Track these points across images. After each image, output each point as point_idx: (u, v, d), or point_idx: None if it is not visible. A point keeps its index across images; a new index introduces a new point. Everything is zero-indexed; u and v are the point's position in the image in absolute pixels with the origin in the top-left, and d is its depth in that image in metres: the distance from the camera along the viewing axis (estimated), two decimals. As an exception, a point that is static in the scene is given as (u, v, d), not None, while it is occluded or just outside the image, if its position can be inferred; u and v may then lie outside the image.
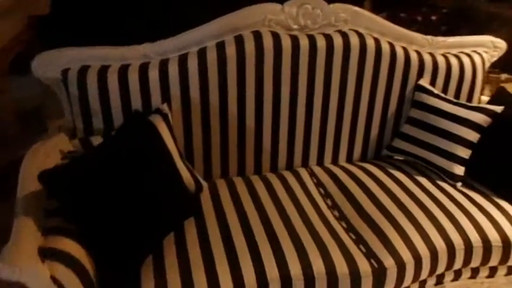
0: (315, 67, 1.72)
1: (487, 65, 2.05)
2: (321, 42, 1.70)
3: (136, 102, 1.57)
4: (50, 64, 1.52)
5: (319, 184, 1.74)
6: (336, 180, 1.75)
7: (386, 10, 3.55)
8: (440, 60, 1.89)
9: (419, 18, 3.62)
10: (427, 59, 1.87)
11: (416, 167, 1.84)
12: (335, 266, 1.33)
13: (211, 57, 1.60)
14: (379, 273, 1.36)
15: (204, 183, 1.63)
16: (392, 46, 1.81)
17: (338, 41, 1.72)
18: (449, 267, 1.49)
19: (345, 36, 1.74)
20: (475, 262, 1.51)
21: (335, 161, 1.92)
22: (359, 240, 1.45)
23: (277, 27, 1.70)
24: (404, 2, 3.73)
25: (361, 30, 1.79)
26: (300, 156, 1.86)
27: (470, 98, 1.98)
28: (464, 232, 1.49)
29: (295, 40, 1.68)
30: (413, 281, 1.44)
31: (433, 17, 3.64)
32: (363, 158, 1.96)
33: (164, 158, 1.41)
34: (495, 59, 2.07)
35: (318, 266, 1.32)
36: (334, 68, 1.74)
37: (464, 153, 1.74)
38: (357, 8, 1.78)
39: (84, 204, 1.18)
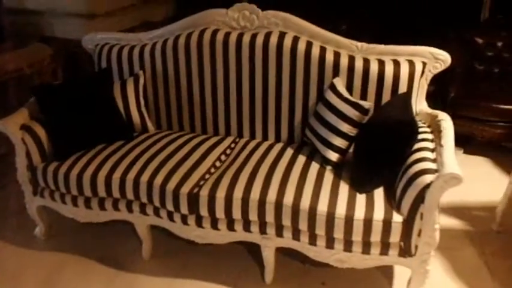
0: (241, 59, 2.25)
1: (426, 74, 2.10)
2: (246, 39, 2.23)
3: (126, 68, 2.47)
4: (90, 40, 2.58)
5: (232, 148, 2.26)
6: (243, 149, 2.23)
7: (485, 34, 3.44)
8: (358, 64, 2.11)
9: (499, 44, 3.34)
10: (343, 61, 2.12)
11: (315, 151, 2.13)
12: (169, 181, 1.92)
13: (169, 43, 2.36)
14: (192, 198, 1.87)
15: (151, 128, 2.42)
16: (309, 46, 2.16)
17: (259, 39, 2.21)
18: (261, 217, 1.83)
19: (267, 35, 2.21)
20: (286, 221, 1.80)
21: (265, 138, 2.37)
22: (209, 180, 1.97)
23: (223, 26, 2.32)
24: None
25: (291, 33, 2.21)
26: (235, 128, 2.40)
27: (393, 102, 2.09)
28: (283, 193, 1.81)
29: (226, 36, 2.26)
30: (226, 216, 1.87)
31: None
32: (290, 140, 2.33)
33: (110, 101, 2.28)
34: (438, 70, 2.10)
35: (158, 179, 1.94)
36: (256, 61, 2.22)
37: (340, 142, 1.97)
38: (286, 14, 2.22)
39: (53, 107, 2.16)
